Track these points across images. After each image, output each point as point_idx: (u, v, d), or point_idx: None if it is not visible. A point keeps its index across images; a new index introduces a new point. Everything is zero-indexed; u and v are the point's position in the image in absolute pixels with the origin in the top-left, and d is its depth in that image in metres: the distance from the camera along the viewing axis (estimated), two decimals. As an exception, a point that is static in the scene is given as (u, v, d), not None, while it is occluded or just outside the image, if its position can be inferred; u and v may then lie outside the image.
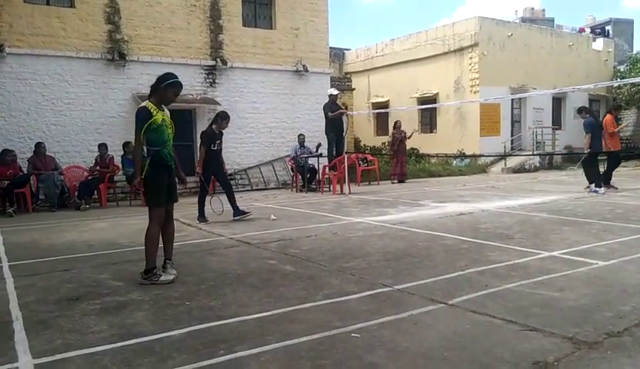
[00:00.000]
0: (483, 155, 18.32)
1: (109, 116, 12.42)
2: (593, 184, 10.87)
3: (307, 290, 4.17)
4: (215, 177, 8.46)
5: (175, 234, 7.06)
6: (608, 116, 11.64)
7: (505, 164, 18.73)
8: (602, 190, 10.69)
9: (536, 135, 20.34)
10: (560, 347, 2.90)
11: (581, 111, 11.80)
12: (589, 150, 11.10)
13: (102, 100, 12.34)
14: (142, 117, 4.57)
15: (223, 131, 8.20)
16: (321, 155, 13.32)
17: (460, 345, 3.02)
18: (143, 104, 4.66)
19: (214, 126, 8.11)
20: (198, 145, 8.46)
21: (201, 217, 8.07)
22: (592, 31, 30.29)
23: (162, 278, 4.54)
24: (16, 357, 3.03)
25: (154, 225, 4.65)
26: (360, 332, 3.22)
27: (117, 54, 12.34)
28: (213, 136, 8.01)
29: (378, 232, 6.80)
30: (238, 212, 8.12)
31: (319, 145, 13.28)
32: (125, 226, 8.16)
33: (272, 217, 8.13)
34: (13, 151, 10.67)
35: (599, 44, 24.44)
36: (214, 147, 7.98)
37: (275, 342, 3.10)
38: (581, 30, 29.71)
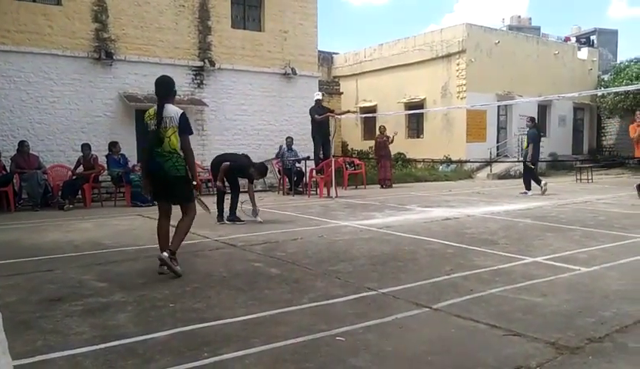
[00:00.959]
0: (469, 161, 18.47)
1: (95, 115, 12.30)
2: (528, 191, 12.05)
3: (292, 294, 4.16)
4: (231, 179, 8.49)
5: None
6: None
7: (491, 170, 18.89)
8: (530, 193, 11.97)
9: (521, 142, 20.54)
10: (542, 352, 2.93)
11: (529, 120, 12.79)
12: (529, 160, 12.16)
13: (88, 99, 12.22)
14: (188, 119, 4.90)
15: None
16: (308, 158, 13.33)
17: (444, 349, 3.04)
18: (181, 111, 4.89)
19: (252, 170, 8.24)
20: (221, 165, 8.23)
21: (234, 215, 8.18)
22: (577, 40, 30.73)
23: (178, 268, 4.74)
24: (-4, 358, 2.98)
25: (191, 220, 5.00)
26: (345, 336, 3.22)
27: (104, 53, 12.23)
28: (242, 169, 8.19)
29: (364, 236, 6.82)
30: (232, 216, 8.13)
31: (307, 158, 13.31)
32: (109, 226, 8.08)
33: (258, 219, 8.10)
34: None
35: (584, 53, 24.80)
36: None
37: (259, 345, 3.09)
38: (567, 39, 30.13)
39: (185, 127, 4.81)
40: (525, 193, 12.06)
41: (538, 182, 12.08)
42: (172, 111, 4.80)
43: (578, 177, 17.02)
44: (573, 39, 30.74)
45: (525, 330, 3.25)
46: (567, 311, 3.65)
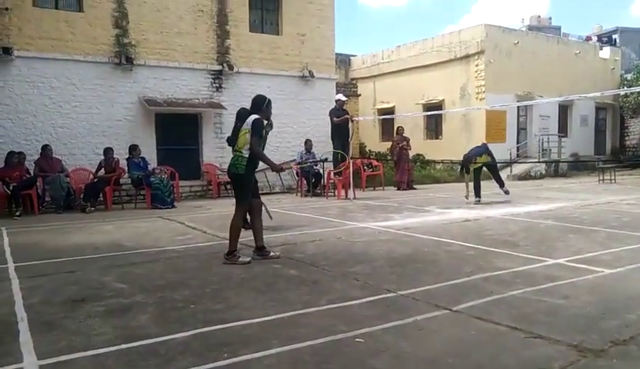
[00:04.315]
0: (489, 162, 18.25)
1: (116, 119, 12.47)
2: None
3: (311, 295, 4.17)
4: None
5: (179, 237, 7.13)
6: None
7: (511, 171, 18.66)
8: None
9: (542, 143, 20.28)
10: (565, 355, 2.89)
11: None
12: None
13: (109, 103, 12.39)
14: (261, 125, 5.29)
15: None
16: (326, 160, 13.33)
17: (464, 352, 3.01)
18: (256, 117, 5.33)
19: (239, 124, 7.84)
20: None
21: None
22: (599, 39, 30.26)
23: (240, 260, 5.27)
24: (21, 357, 3.04)
25: (239, 217, 5.43)
26: (364, 337, 3.22)
27: (124, 58, 12.39)
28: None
29: (383, 237, 6.79)
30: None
31: (325, 160, 13.29)
32: (129, 229, 8.18)
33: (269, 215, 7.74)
34: (22, 153, 10.76)
35: (606, 52, 24.38)
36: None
37: (278, 346, 3.10)
38: (588, 38, 29.70)
39: (253, 129, 5.25)
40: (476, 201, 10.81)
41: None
42: (251, 117, 5.36)
43: (601, 178, 16.72)
44: (594, 38, 30.28)
45: (547, 333, 3.20)
46: (590, 314, 3.59)
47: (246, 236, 6.69)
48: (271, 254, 5.60)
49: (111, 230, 8.14)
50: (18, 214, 9.82)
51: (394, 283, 4.44)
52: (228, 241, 5.45)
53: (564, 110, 22.32)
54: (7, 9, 11.11)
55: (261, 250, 5.58)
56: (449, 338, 3.22)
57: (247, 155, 5.25)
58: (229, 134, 8.10)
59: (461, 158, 11.18)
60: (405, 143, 15.04)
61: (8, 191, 10.05)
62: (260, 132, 5.28)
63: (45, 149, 10.88)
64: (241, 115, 7.04)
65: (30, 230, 8.28)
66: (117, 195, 11.52)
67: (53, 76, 11.73)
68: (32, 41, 11.47)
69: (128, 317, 3.73)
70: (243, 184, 5.36)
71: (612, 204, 10.23)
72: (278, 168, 5.67)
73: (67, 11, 11.98)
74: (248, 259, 5.32)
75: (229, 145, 7.77)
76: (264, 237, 5.68)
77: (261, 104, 5.48)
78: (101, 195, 11.11)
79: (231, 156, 5.52)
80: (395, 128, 16.26)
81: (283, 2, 14.73)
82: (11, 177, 10.17)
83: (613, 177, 16.51)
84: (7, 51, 11.07)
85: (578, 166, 21.25)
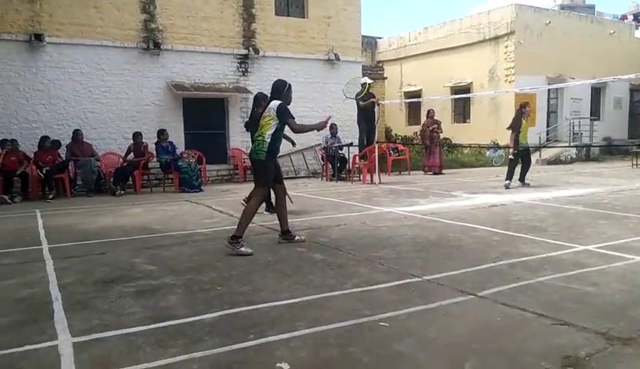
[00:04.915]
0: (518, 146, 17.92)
1: (144, 104, 12.65)
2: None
3: (336, 279, 4.20)
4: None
5: (206, 220, 7.23)
6: None
7: (540, 155, 18.31)
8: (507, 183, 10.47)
9: (573, 126, 19.80)
10: (592, 342, 2.85)
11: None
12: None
13: (137, 88, 12.57)
14: (286, 109, 5.29)
15: None
16: (352, 144, 13.29)
17: (489, 337, 3.00)
18: (279, 102, 5.31)
19: (259, 110, 7.60)
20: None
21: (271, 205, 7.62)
22: (635, 18, 29.16)
23: (242, 249, 5.08)
24: (56, 335, 3.15)
25: (256, 202, 5.38)
26: (388, 321, 3.23)
27: (152, 43, 12.52)
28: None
29: (408, 222, 6.77)
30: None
31: (351, 144, 13.24)
32: (158, 212, 8.34)
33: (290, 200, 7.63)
34: (58, 141, 11.07)
35: (642, 32, 23.56)
36: None
37: (304, 328, 3.14)
38: (624, 17, 28.65)
39: (281, 114, 5.24)
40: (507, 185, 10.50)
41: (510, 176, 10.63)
42: (273, 103, 5.34)
43: (634, 163, 16.27)
44: (630, 17, 29.19)
45: (575, 320, 3.16)
46: (619, 301, 3.53)
47: (271, 220, 6.77)
48: (297, 238, 5.64)
49: (140, 213, 8.31)
50: (51, 197, 10.10)
51: (419, 268, 4.44)
52: (250, 225, 5.42)
53: (596, 92, 21.72)
54: (38, -4, 11.32)
55: (286, 234, 5.62)
56: (474, 324, 3.21)
57: (269, 140, 5.26)
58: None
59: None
60: (435, 126, 14.81)
61: (42, 175, 10.34)
62: (289, 114, 5.30)
63: (77, 134, 11.13)
64: (259, 100, 7.11)
65: (62, 212, 8.52)
66: (146, 179, 11.73)
67: (83, 61, 11.94)
68: (62, 27, 11.68)
69: (157, 298, 3.82)
70: (264, 170, 5.36)
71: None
72: (322, 125, 5.65)
73: (96, -4, 12.14)
74: (250, 251, 5.09)
75: (247, 130, 7.89)
76: (289, 221, 5.72)
77: (282, 89, 5.45)
78: (130, 179, 11.33)
79: (253, 141, 5.51)
80: (425, 112, 16.04)
81: (309, -15, 14.63)
82: (44, 161, 10.45)
83: (647, 162, 16.05)
84: (38, 37, 11.31)
85: (611, 150, 20.71)
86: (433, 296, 3.70)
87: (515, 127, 10.60)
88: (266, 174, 5.38)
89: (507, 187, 10.39)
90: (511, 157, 10.82)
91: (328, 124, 5.64)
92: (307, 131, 5.83)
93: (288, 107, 5.36)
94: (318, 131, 5.77)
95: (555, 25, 19.87)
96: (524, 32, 19.06)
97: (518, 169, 10.82)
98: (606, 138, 21.15)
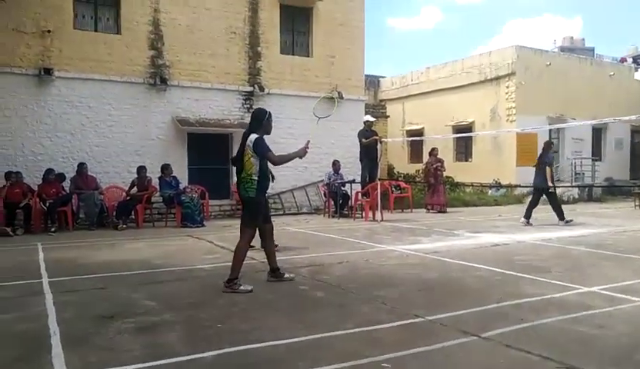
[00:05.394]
0: (519, 186, 17.94)
1: (149, 139, 12.77)
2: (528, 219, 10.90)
3: (337, 318, 4.15)
4: None
5: (208, 256, 7.19)
6: None
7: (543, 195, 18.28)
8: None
9: (575, 166, 19.86)
10: (599, 388, 2.80)
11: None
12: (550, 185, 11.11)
13: (143, 123, 12.71)
14: (264, 143, 5.21)
15: None
16: (354, 181, 13.33)
17: (493, 380, 2.95)
18: (256, 136, 5.21)
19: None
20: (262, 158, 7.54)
21: None
22: (634, 61, 29.68)
23: (242, 288, 5.00)
24: (53, 372, 3.11)
25: (245, 242, 5.25)
26: (390, 362, 3.18)
27: (159, 78, 12.73)
28: None
29: (411, 261, 6.73)
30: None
31: (353, 181, 13.29)
32: (160, 247, 8.31)
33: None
34: (62, 174, 11.12)
35: (642, 74, 23.91)
36: None
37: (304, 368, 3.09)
38: (623, 60, 29.17)
39: (259, 149, 5.16)
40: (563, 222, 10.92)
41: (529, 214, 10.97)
42: (249, 139, 5.23)
43: (637, 204, 16.23)
44: (630, 60, 29.71)
45: (581, 364, 3.11)
46: (625, 345, 3.47)
47: (279, 256, 6.71)
48: (286, 275, 5.55)
49: (141, 247, 8.28)
50: (53, 230, 10.09)
51: (421, 308, 4.39)
52: (245, 263, 5.30)
53: (597, 133, 21.87)
54: (49, 31, 11.59)
55: (275, 272, 5.53)
56: (477, 366, 3.16)
57: (256, 178, 5.17)
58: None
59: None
60: (439, 164, 14.87)
61: (45, 208, 10.35)
62: (267, 148, 5.18)
63: (81, 167, 11.20)
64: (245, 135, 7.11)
65: (64, 246, 8.50)
66: (148, 213, 11.73)
67: (90, 96, 12.12)
68: (72, 62, 11.90)
69: (157, 335, 3.78)
70: (254, 207, 5.24)
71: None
72: (302, 152, 5.40)
73: (105, 33, 12.42)
74: (250, 287, 5.03)
75: (233, 165, 7.76)
76: (290, 258, 5.69)
77: (262, 118, 5.37)
78: (132, 213, 11.33)
79: (241, 180, 5.31)
80: (428, 150, 16.12)
81: (314, 24, 14.96)
82: (47, 194, 10.48)
83: (650, 203, 16.01)
84: (48, 71, 11.51)
85: (613, 191, 20.69)
86: (436, 337, 3.65)
87: (547, 163, 11.06)
88: (257, 212, 5.26)
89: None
90: (551, 191, 11.22)
91: (309, 149, 5.46)
92: (287, 162, 5.62)
93: (265, 138, 5.24)
94: (300, 158, 5.52)
95: (556, 67, 20.18)
96: (524, 73, 19.35)
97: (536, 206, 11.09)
98: (608, 179, 21.18)
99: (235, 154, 5.85)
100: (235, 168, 5.71)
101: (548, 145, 11.59)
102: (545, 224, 11.04)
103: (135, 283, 5.54)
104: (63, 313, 4.35)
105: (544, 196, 11.37)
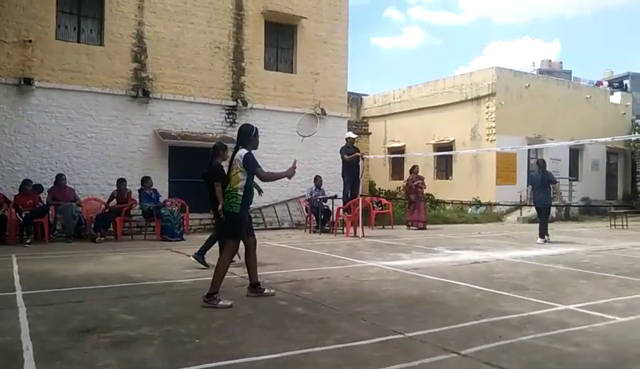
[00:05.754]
0: (499, 204, 18.20)
1: (130, 151, 12.65)
2: (545, 236, 11.23)
3: (317, 334, 4.13)
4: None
5: (187, 270, 7.12)
6: None
7: (521, 213, 18.56)
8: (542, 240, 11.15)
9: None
10: (576, 405, 2.82)
11: (538, 164, 12.13)
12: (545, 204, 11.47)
13: (124, 135, 12.60)
14: (253, 158, 5.26)
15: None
16: (336, 197, 13.36)
17: (472, 397, 2.96)
18: (246, 152, 5.27)
19: (219, 160, 7.72)
20: (213, 183, 7.46)
21: (201, 256, 7.43)
22: (610, 84, 30.51)
23: (221, 303, 4.96)
24: (25, 387, 3.03)
25: (229, 256, 5.24)
26: (370, 379, 3.17)
27: (141, 91, 12.66)
28: (223, 169, 7.75)
29: (391, 277, 6.75)
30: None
31: (335, 197, 13.33)
32: (138, 260, 8.20)
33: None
34: (40, 185, 10.96)
35: (617, 97, 24.53)
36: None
37: (283, 385, 3.06)
38: (599, 83, 29.93)
39: (249, 164, 5.21)
40: (542, 240, 11.17)
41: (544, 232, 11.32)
42: (239, 154, 5.29)
43: (612, 223, 16.56)
44: (605, 83, 30.51)
45: (557, 381, 3.14)
46: (602, 363, 3.52)
47: (259, 271, 6.67)
48: (266, 291, 5.52)
49: (119, 261, 8.16)
50: (28, 241, 9.90)
51: (401, 324, 4.40)
52: (225, 278, 5.21)
53: (575, 153, 22.32)
54: (30, 41, 11.48)
55: (255, 287, 5.50)
56: (457, 383, 3.16)
57: (242, 193, 5.18)
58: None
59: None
60: (420, 181, 15.02)
61: (21, 219, 10.15)
62: (256, 163, 5.25)
63: (59, 178, 11.03)
64: (217, 150, 7.61)
65: (40, 258, 8.32)
66: (127, 226, 11.58)
67: (71, 107, 11.99)
68: (53, 72, 11.79)
69: (134, 350, 3.71)
70: (237, 222, 5.22)
71: (624, 250, 10.11)
72: (291, 172, 5.41)
73: (88, 44, 12.35)
74: (229, 303, 4.99)
75: (204, 179, 7.72)
76: (270, 273, 5.66)
77: (249, 134, 5.42)
78: (111, 225, 11.17)
79: (223, 194, 5.35)
80: (408, 167, 16.26)
81: (298, 41, 15.08)
82: (24, 204, 10.30)
83: (625, 223, 16.35)
84: (28, 81, 11.38)
85: (590, 210, 21.07)
86: (415, 353, 3.66)
87: (551, 181, 11.43)
88: (240, 227, 5.25)
89: (546, 241, 11.06)
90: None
91: (296, 169, 5.49)
92: (275, 179, 5.73)
93: (254, 154, 5.29)
94: (289, 179, 5.56)
95: (534, 88, 20.62)
96: (504, 94, 19.72)
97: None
98: (584, 199, 21.57)
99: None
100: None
101: (544, 163, 11.96)
102: (524, 242, 11.18)
103: (112, 296, 5.45)
104: (37, 327, 4.25)
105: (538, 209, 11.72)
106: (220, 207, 7.31)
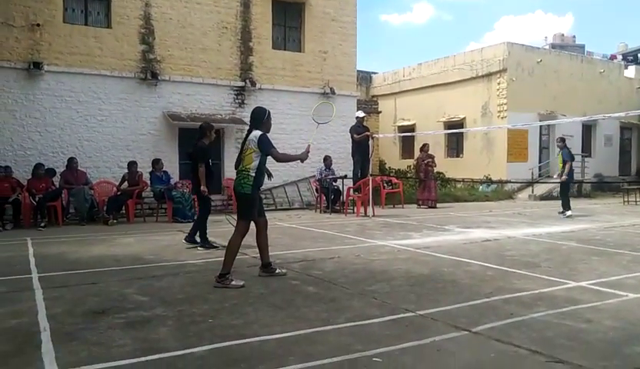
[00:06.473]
0: (510, 181, 18.08)
1: (140, 133, 12.70)
2: (568, 211, 11.76)
3: (329, 312, 4.16)
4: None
5: (199, 251, 7.17)
6: None
7: (533, 190, 18.44)
8: (569, 213, 11.72)
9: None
10: (587, 381, 2.83)
11: (560, 141, 12.84)
12: (566, 177, 12.07)
13: (134, 117, 12.63)
14: (268, 139, 5.27)
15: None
16: (346, 177, 13.35)
17: (483, 374, 2.97)
18: (260, 132, 5.27)
19: (204, 140, 7.71)
20: (197, 164, 7.63)
21: (205, 240, 7.53)
22: (624, 58, 29.86)
23: (233, 283, 5.01)
24: (43, 367, 3.09)
25: (239, 236, 5.25)
26: (381, 357, 3.20)
27: (150, 73, 12.65)
28: (208, 150, 7.74)
29: (402, 256, 6.76)
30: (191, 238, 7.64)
31: (345, 176, 13.30)
32: (151, 242, 8.28)
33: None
34: (52, 169, 11.05)
35: (631, 71, 24.05)
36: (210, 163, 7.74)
37: (295, 363, 3.10)
38: (613, 57, 29.33)
39: (264, 145, 5.21)
40: (563, 213, 11.82)
41: (567, 206, 11.90)
42: (253, 135, 5.29)
43: (626, 199, 16.41)
44: (619, 57, 29.90)
45: (569, 358, 3.14)
46: (613, 339, 3.51)
47: (270, 251, 6.72)
48: (278, 271, 5.56)
49: (132, 242, 8.25)
50: (42, 225, 10.02)
51: (412, 302, 4.41)
52: (237, 258, 5.28)
53: (587, 129, 22.03)
54: (38, 25, 11.47)
55: (267, 267, 5.56)
56: (468, 360, 3.18)
57: (253, 174, 5.20)
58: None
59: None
60: (430, 160, 14.94)
61: (34, 202, 10.27)
62: (271, 145, 5.26)
63: (71, 162, 11.11)
64: (204, 130, 7.65)
65: (54, 241, 8.44)
66: (139, 208, 11.67)
67: (81, 90, 12.03)
68: (62, 56, 11.80)
69: (148, 330, 3.77)
70: (248, 203, 5.26)
71: (637, 226, 10.02)
72: (305, 156, 5.47)
73: (96, 27, 12.32)
74: (242, 283, 5.05)
75: (189, 159, 7.86)
76: (281, 253, 5.69)
77: (262, 117, 5.41)
78: (123, 208, 11.27)
79: (237, 174, 5.35)
80: (419, 146, 16.16)
81: (306, 20, 14.92)
82: (37, 188, 10.40)
83: (638, 199, 16.18)
84: (37, 65, 11.40)
85: (602, 187, 20.88)
86: (427, 331, 3.68)
87: (566, 159, 12.14)
88: (251, 208, 5.28)
89: (568, 217, 11.56)
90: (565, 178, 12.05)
91: (310, 153, 5.53)
92: (289, 161, 5.84)
93: (268, 135, 5.31)
94: (302, 161, 5.62)
95: (546, 64, 20.28)
96: (516, 70, 19.43)
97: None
98: (597, 175, 21.35)
99: (226, 149, 5.94)
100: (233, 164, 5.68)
101: (563, 141, 12.57)
102: (536, 220, 11.13)
103: (126, 278, 5.52)
104: (53, 308, 4.32)
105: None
106: (202, 188, 7.53)
